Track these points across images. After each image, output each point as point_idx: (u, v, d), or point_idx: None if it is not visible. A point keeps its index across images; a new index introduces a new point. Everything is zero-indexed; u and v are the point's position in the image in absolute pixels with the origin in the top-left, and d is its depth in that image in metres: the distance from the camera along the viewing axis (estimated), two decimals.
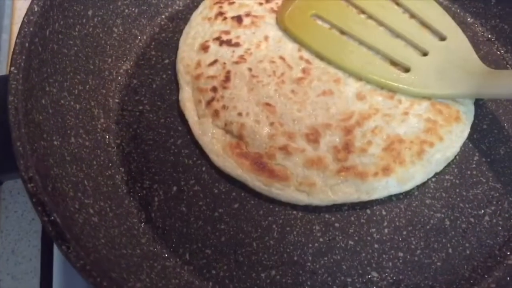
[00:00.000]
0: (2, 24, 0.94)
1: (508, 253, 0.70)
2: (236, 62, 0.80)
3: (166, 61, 0.86)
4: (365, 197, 0.71)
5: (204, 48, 0.82)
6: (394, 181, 0.71)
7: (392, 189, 0.72)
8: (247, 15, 0.86)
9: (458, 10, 0.92)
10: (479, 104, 0.81)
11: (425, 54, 0.81)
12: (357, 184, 0.71)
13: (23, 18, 0.68)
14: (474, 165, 0.76)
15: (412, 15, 0.85)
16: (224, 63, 0.80)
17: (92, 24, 0.81)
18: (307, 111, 0.76)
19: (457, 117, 0.76)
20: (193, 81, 0.80)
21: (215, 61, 0.81)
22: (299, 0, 0.86)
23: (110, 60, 0.83)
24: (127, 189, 0.74)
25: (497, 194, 0.74)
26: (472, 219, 0.72)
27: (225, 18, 0.85)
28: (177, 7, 0.92)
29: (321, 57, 0.81)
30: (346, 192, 0.71)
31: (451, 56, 0.80)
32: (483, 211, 0.73)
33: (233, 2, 0.87)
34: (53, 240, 0.54)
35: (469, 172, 0.75)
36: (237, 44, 0.82)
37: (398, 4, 0.86)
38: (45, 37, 0.70)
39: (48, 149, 0.65)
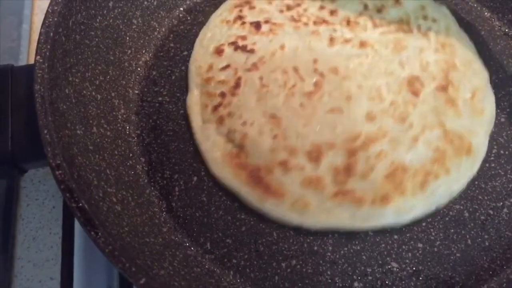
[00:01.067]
0: (23, 14, 0.95)
1: None
2: (249, 69, 0.79)
3: (185, 53, 0.86)
4: (359, 225, 0.69)
5: (219, 51, 0.82)
6: (391, 212, 0.69)
7: (389, 220, 0.69)
8: (266, 21, 0.84)
9: (475, 5, 0.92)
10: (497, 98, 0.81)
11: None
12: (353, 210, 0.69)
13: (48, 8, 0.68)
14: (492, 158, 0.76)
15: None
16: (236, 69, 0.79)
17: (112, 15, 0.81)
18: (313, 127, 0.73)
19: (468, 149, 0.73)
20: (203, 84, 0.79)
21: (227, 66, 0.80)
22: None
23: (129, 51, 0.84)
24: (148, 179, 0.75)
25: None
26: (491, 211, 0.72)
27: (243, 23, 0.84)
28: (195, 0, 0.92)
29: None
30: (340, 217, 0.69)
31: None
32: (501, 203, 0.73)
33: (254, 7, 0.86)
34: (82, 226, 0.55)
35: (487, 165, 0.75)
36: (252, 51, 0.81)
37: None
38: (68, 27, 0.71)
39: (72, 138, 0.66)
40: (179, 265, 0.66)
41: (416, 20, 0.84)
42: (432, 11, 0.86)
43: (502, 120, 0.80)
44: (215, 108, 0.76)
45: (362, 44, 0.81)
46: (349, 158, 0.71)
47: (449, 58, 0.80)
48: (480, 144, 0.75)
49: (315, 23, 0.84)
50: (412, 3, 0.86)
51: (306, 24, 0.84)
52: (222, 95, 0.77)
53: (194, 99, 0.79)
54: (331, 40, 0.81)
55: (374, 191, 0.69)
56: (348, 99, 0.76)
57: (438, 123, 0.75)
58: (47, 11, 0.68)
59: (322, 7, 0.86)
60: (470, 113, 0.76)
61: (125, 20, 0.84)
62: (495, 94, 0.81)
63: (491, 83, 0.82)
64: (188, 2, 0.92)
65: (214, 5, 0.92)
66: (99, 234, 0.54)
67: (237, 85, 0.77)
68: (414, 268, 0.68)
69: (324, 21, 0.84)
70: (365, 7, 0.86)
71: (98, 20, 0.79)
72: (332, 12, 0.85)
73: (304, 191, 0.70)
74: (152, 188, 0.74)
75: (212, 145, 0.74)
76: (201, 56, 0.82)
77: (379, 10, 0.85)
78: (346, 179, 0.70)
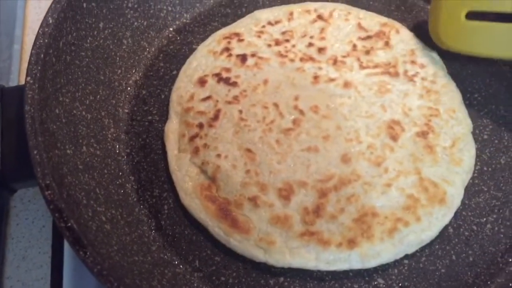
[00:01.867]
0: (14, 35, 0.96)
1: (510, 260, 0.71)
2: (229, 102, 0.79)
3: (174, 72, 0.87)
4: (323, 267, 0.68)
5: (202, 82, 0.82)
6: (357, 256, 0.68)
7: (354, 264, 0.68)
8: (253, 55, 0.84)
9: None
10: (480, 115, 0.83)
11: None
12: (318, 252, 0.68)
13: (38, 30, 0.69)
14: (476, 174, 0.78)
15: None
16: (217, 101, 0.79)
17: (103, 36, 0.83)
18: (287, 164, 0.73)
19: (442, 199, 0.72)
20: (182, 113, 0.79)
21: (208, 97, 0.80)
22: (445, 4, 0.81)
23: (120, 71, 0.85)
24: (137, 198, 0.75)
25: (499, 203, 0.76)
26: (474, 227, 0.74)
27: (230, 55, 0.85)
28: (184, 20, 0.94)
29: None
30: (305, 257, 0.68)
31: None
32: (485, 219, 0.74)
33: (243, 40, 0.87)
34: (71, 246, 0.55)
35: (471, 181, 0.77)
36: (234, 84, 0.81)
37: None
38: (58, 48, 0.72)
39: (62, 158, 0.67)
40: (168, 283, 0.66)
41: (403, 64, 0.84)
42: (421, 55, 0.85)
43: (485, 137, 0.82)
44: (192, 138, 0.76)
45: (346, 85, 0.81)
46: (320, 198, 0.71)
47: (433, 104, 0.80)
48: (455, 194, 0.73)
49: (301, 59, 0.84)
50: (402, 47, 0.86)
51: (292, 60, 0.84)
52: (200, 126, 0.77)
53: (172, 128, 0.79)
54: (315, 78, 0.82)
55: (342, 234, 0.69)
56: (326, 139, 0.75)
57: (414, 169, 0.74)
58: (38, 32, 0.69)
59: (310, 44, 0.86)
60: (448, 161, 0.75)
61: (116, 41, 0.85)
62: (478, 111, 0.83)
63: (472, 104, 0.84)
64: (177, 23, 0.94)
65: (203, 25, 0.94)
66: (88, 253, 0.55)
67: (216, 117, 0.78)
68: (400, 284, 0.69)
69: (311, 59, 0.84)
70: (354, 47, 0.86)
71: (88, 40, 0.80)
72: (320, 50, 0.85)
73: (271, 228, 0.69)
74: (142, 206, 0.75)
75: (185, 175, 0.74)
76: (184, 84, 0.83)
77: (368, 52, 0.85)
78: (315, 220, 0.69)
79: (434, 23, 0.85)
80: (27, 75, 0.66)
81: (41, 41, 0.69)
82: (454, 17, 0.82)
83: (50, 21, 0.71)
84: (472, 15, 0.81)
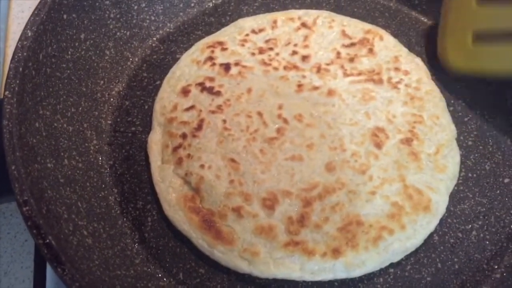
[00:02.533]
0: None
1: (496, 266, 0.71)
2: (213, 112, 0.78)
3: (158, 82, 0.87)
4: (308, 277, 0.67)
5: (185, 92, 0.81)
6: (341, 265, 0.67)
7: (339, 273, 0.67)
8: (236, 64, 0.84)
9: None
10: (464, 121, 0.83)
11: None
12: (303, 262, 0.67)
13: (17, 43, 0.69)
14: (460, 181, 0.78)
15: None
16: (201, 111, 0.79)
17: (84, 47, 0.82)
18: (271, 174, 0.73)
19: (426, 206, 0.71)
20: (166, 123, 0.79)
21: (192, 107, 0.79)
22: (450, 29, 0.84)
23: (102, 82, 0.85)
24: (120, 210, 0.75)
25: (484, 209, 0.76)
26: (460, 234, 0.74)
27: (213, 64, 0.84)
28: (168, 30, 0.94)
29: None
30: (290, 267, 0.67)
31: None
32: (470, 225, 0.74)
33: (226, 48, 0.86)
34: (48, 263, 0.55)
35: (456, 188, 0.76)
36: (218, 93, 0.80)
37: None
38: (38, 61, 0.71)
39: (42, 172, 0.66)
40: None
41: (387, 71, 0.84)
42: (405, 62, 0.85)
43: (470, 143, 0.82)
44: (175, 149, 0.76)
45: (330, 93, 0.81)
46: (304, 207, 0.70)
47: (416, 111, 0.80)
48: (440, 201, 0.73)
49: (285, 68, 0.84)
50: (386, 54, 0.86)
51: (276, 68, 0.84)
52: (183, 136, 0.77)
53: (155, 139, 0.78)
54: (299, 86, 0.81)
55: (326, 244, 0.68)
56: (310, 147, 0.75)
57: (399, 176, 0.73)
58: (17, 46, 0.69)
59: (294, 52, 0.86)
60: (432, 168, 0.75)
61: (98, 51, 0.85)
62: (463, 117, 0.83)
63: (456, 110, 0.84)
64: (161, 32, 0.93)
65: (186, 34, 0.93)
66: (66, 270, 0.54)
67: (199, 127, 0.77)
68: None
69: (295, 67, 0.84)
70: (338, 54, 0.86)
71: (69, 52, 0.79)
72: (304, 58, 0.85)
73: (255, 239, 0.68)
74: (125, 219, 0.74)
75: (168, 187, 0.74)
76: (167, 94, 0.82)
77: (352, 59, 0.85)
78: (299, 229, 0.69)
79: (442, 50, 0.86)
80: (5, 90, 0.65)
81: (20, 54, 0.68)
82: (461, 42, 0.83)
83: (29, 34, 0.70)
84: (480, 39, 0.82)
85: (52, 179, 0.68)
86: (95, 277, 0.61)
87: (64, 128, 0.75)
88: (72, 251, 0.61)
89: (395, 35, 0.90)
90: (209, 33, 0.92)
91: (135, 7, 0.90)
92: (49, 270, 0.74)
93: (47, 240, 0.56)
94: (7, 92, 0.65)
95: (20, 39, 0.69)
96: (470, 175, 0.78)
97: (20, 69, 0.67)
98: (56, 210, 0.64)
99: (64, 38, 0.78)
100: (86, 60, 0.83)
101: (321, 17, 0.91)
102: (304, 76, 0.83)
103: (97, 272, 0.62)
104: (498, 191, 0.77)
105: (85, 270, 0.60)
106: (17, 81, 0.66)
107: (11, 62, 0.67)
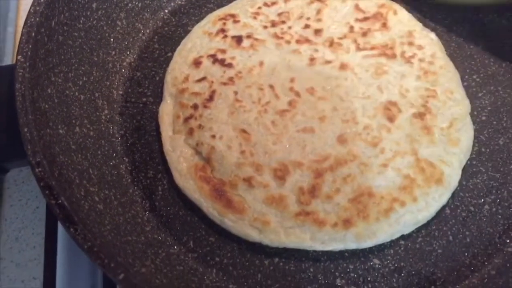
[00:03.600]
0: (8, 18, 0.95)
1: (508, 240, 0.71)
2: (224, 83, 0.78)
3: (169, 54, 0.86)
4: (319, 247, 0.67)
5: (197, 63, 0.81)
6: (352, 236, 0.67)
7: (349, 244, 0.67)
8: (249, 36, 0.83)
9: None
10: (478, 97, 0.82)
11: None
12: (313, 232, 0.67)
13: (30, 9, 0.68)
14: (474, 155, 0.77)
15: None
16: (212, 82, 0.78)
17: (96, 16, 0.82)
18: (282, 145, 0.72)
19: (439, 179, 0.71)
20: (177, 94, 0.78)
21: (203, 78, 0.79)
22: None
23: (114, 52, 0.84)
24: (131, 179, 0.75)
25: (497, 184, 0.75)
26: (472, 208, 0.73)
27: (225, 36, 0.84)
28: (179, 2, 0.93)
29: None
30: (300, 237, 0.67)
31: None
32: (483, 200, 0.74)
33: (238, 21, 0.86)
34: (61, 223, 0.55)
35: (469, 162, 0.76)
36: (230, 65, 0.80)
37: None
38: (50, 27, 0.71)
39: (54, 137, 0.66)
40: (162, 263, 0.66)
41: (401, 46, 0.83)
42: (419, 37, 0.84)
43: (483, 118, 0.81)
44: (186, 119, 0.76)
45: (342, 67, 0.80)
46: (315, 178, 0.70)
47: (430, 86, 0.79)
48: (453, 174, 0.72)
49: (297, 41, 0.83)
50: (400, 28, 0.85)
51: (288, 42, 0.83)
52: (195, 107, 0.76)
53: (167, 109, 0.78)
54: (312, 60, 0.81)
55: (337, 214, 0.68)
56: (322, 120, 0.74)
57: (411, 150, 0.73)
58: (29, 11, 0.68)
59: (307, 26, 0.85)
60: (445, 142, 0.74)
61: (109, 22, 0.84)
62: (477, 93, 0.82)
63: (470, 85, 0.83)
64: (172, 4, 0.93)
65: (198, 7, 0.93)
66: (78, 230, 0.54)
67: (210, 98, 0.77)
68: (396, 265, 0.69)
69: (307, 40, 0.83)
70: (351, 29, 0.85)
71: (81, 21, 0.79)
72: (317, 32, 0.84)
73: (266, 209, 0.69)
74: (135, 187, 0.74)
75: (179, 156, 0.74)
76: (178, 66, 0.82)
77: (365, 34, 0.84)
78: (310, 200, 0.69)
79: None
80: (18, 54, 0.65)
81: (32, 19, 0.68)
82: None
83: (42, 0, 0.70)
84: None
85: (63, 145, 0.68)
86: (107, 241, 0.61)
87: (75, 96, 0.75)
88: (84, 215, 0.61)
89: (409, 10, 0.89)
90: (220, 6, 0.92)
91: None
92: (59, 235, 0.74)
93: (60, 201, 0.56)
94: (19, 57, 0.65)
95: (32, 4, 0.69)
96: (483, 149, 0.78)
97: (33, 34, 0.67)
98: (68, 175, 0.64)
99: (76, 7, 0.78)
100: (97, 30, 0.82)
101: None
102: (316, 50, 0.82)
103: (109, 237, 0.62)
104: (511, 166, 0.76)
105: (97, 233, 0.60)
106: (30, 46, 0.66)
107: (23, 27, 0.67)
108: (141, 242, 0.67)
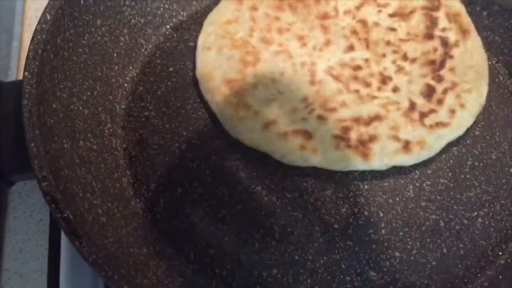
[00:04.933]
0: (13, 32, 0.97)
1: (500, 253, 0.73)
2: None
3: (171, 69, 0.89)
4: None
5: None
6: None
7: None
8: None
9: None
10: None
11: None
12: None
13: (36, 26, 0.70)
14: (467, 169, 0.79)
15: None
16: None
17: (100, 33, 0.84)
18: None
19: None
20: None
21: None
22: None
23: (117, 67, 0.86)
24: (133, 191, 0.76)
25: (490, 197, 0.77)
26: (465, 221, 0.75)
27: None
28: (181, 18, 0.95)
29: None
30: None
31: None
32: (476, 213, 0.76)
33: None
34: (66, 236, 0.56)
35: (462, 176, 0.78)
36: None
37: None
38: (56, 44, 0.73)
39: (59, 151, 0.68)
40: (163, 274, 0.68)
41: None
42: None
43: (477, 133, 0.83)
44: None
45: None
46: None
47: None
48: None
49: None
50: None
51: None
52: None
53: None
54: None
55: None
56: None
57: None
58: (36, 29, 0.70)
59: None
60: None
61: (113, 38, 0.86)
62: None
63: None
64: (174, 20, 0.95)
65: (200, 23, 0.94)
66: (83, 243, 0.56)
67: None
68: (391, 277, 0.70)
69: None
70: None
71: (86, 37, 0.81)
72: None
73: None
74: (138, 200, 0.76)
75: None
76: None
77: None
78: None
79: None
80: (25, 70, 0.67)
81: (39, 37, 0.70)
82: None
83: (48, 18, 0.72)
84: None
85: (68, 159, 0.69)
86: (110, 253, 0.63)
87: (80, 111, 0.77)
88: (88, 228, 0.63)
89: None
90: None
91: None
92: (63, 248, 0.75)
93: (65, 215, 0.58)
94: (26, 73, 0.67)
95: (39, 22, 0.71)
96: (476, 164, 0.80)
97: (39, 51, 0.68)
98: (72, 188, 0.66)
99: (81, 23, 0.80)
100: (101, 46, 0.84)
101: None
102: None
103: (112, 249, 0.64)
104: (503, 180, 0.78)
105: (100, 245, 0.62)
106: (36, 63, 0.67)
107: (30, 44, 0.69)
108: (143, 254, 0.68)
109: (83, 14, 0.80)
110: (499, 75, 0.89)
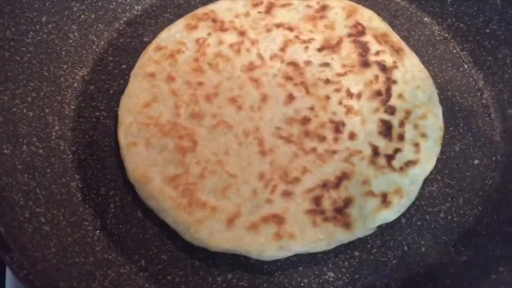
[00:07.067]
0: None
1: (463, 249, 0.70)
2: None
3: (124, 66, 0.85)
4: None
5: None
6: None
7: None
8: None
9: (416, 10, 0.92)
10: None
11: None
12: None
13: None
14: None
15: None
16: None
17: (46, 30, 0.80)
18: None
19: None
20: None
21: None
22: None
23: (66, 66, 0.82)
24: (82, 197, 0.73)
25: (452, 191, 0.75)
26: (427, 216, 0.73)
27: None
28: (135, 12, 0.91)
29: None
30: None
31: None
32: (438, 208, 0.73)
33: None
34: None
35: None
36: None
37: None
38: None
39: None
40: (110, 284, 0.65)
41: None
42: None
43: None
44: None
45: None
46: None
47: None
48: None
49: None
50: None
51: None
52: None
53: None
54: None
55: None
56: None
57: None
58: None
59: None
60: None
61: (61, 35, 0.83)
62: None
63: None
64: (128, 15, 0.91)
65: (154, 17, 0.91)
66: (14, 258, 0.53)
67: None
68: (350, 277, 0.68)
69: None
70: None
71: (30, 35, 0.78)
72: None
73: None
74: (87, 206, 0.73)
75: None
76: None
77: None
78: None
79: None
80: None
81: None
82: None
83: None
84: None
85: (8, 166, 0.66)
86: (50, 265, 0.60)
87: (23, 114, 0.73)
88: (26, 239, 0.60)
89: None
90: (177, 15, 0.90)
91: None
92: None
93: None
94: None
95: None
96: (439, 156, 0.77)
97: None
98: (11, 197, 0.63)
99: (23, 21, 0.76)
100: (48, 44, 0.81)
101: None
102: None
103: (53, 260, 0.61)
104: (467, 173, 0.76)
105: (39, 257, 0.59)
106: None
107: None
108: (89, 263, 0.65)
109: (26, 11, 0.77)
110: (464, 64, 0.86)
